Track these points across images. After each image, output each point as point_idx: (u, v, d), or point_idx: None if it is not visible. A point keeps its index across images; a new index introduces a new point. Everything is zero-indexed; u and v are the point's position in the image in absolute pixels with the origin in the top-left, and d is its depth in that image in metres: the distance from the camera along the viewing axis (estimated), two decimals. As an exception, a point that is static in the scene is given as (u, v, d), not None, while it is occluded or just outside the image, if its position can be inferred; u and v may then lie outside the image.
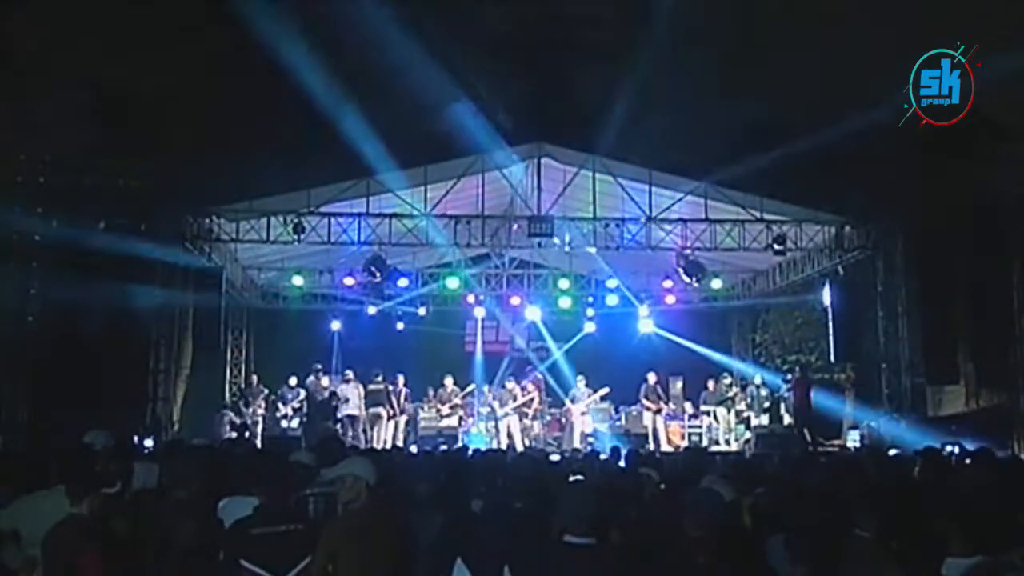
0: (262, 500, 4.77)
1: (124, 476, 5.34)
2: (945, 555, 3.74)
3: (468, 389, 18.44)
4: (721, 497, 5.04)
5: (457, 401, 17.96)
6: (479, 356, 20.75)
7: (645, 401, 17.54)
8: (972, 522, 3.89)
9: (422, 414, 17.91)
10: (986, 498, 5.12)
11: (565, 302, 20.19)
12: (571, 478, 6.78)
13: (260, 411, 18.06)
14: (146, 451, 10.77)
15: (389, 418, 17.12)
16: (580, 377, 18.21)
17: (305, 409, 17.41)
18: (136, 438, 12.57)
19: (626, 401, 18.34)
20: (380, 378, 17.12)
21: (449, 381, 18.06)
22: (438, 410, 17.78)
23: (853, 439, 16.64)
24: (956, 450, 10.41)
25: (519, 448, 15.42)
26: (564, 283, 19.35)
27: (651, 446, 16.42)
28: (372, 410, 16.94)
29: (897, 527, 4.53)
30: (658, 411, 17.48)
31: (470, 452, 11.01)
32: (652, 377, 17.76)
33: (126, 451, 6.70)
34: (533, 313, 20.33)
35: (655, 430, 17.33)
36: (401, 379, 17.77)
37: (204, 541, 4.66)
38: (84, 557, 4.46)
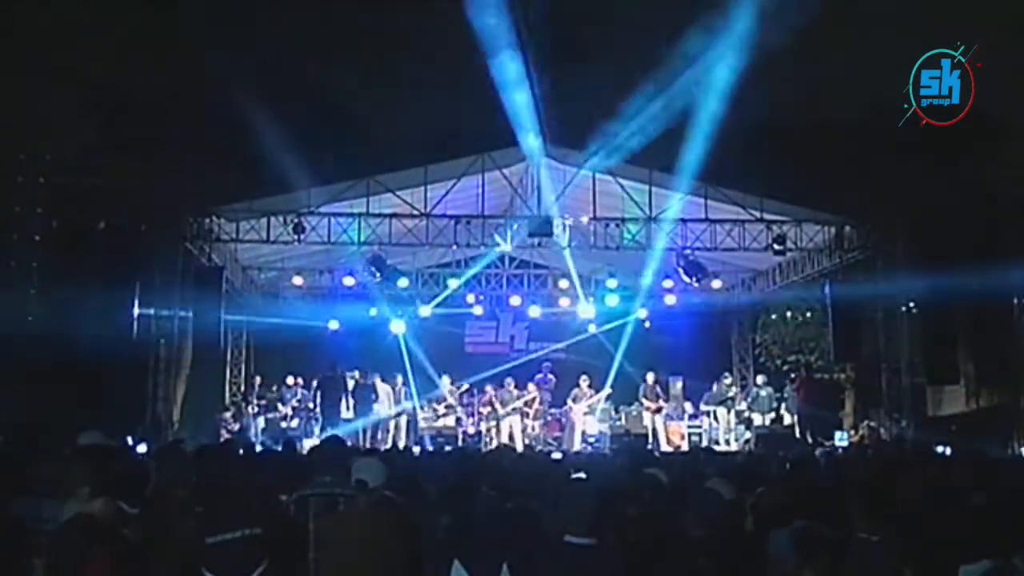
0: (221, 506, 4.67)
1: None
2: (960, 561, 3.72)
3: (463, 388, 18.34)
4: (723, 497, 5.04)
5: (452, 401, 17.91)
6: (478, 357, 20.69)
7: (644, 401, 17.53)
8: (978, 526, 3.87)
9: (421, 414, 17.87)
10: (990, 500, 5.11)
11: (565, 302, 20.16)
12: (573, 475, 6.75)
13: (260, 411, 18.03)
14: (140, 453, 10.72)
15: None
16: (584, 377, 18.18)
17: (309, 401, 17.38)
18: (130, 439, 12.52)
19: (626, 401, 18.32)
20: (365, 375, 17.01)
21: (445, 380, 17.99)
22: (434, 410, 17.72)
23: (841, 440, 16.61)
24: (950, 451, 10.40)
25: (519, 448, 15.38)
26: (564, 283, 19.32)
27: (651, 446, 16.41)
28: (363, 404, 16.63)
29: (904, 530, 4.51)
30: (657, 411, 17.48)
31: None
32: (651, 377, 17.74)
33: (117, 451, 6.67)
34: (533, 312, 20.29)
35: (655, 430, 17.32)
36: (399, 378, 17.68)
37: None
38: (91, 558, 4.42)
